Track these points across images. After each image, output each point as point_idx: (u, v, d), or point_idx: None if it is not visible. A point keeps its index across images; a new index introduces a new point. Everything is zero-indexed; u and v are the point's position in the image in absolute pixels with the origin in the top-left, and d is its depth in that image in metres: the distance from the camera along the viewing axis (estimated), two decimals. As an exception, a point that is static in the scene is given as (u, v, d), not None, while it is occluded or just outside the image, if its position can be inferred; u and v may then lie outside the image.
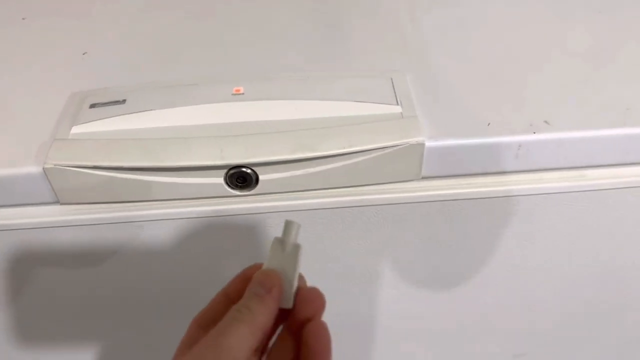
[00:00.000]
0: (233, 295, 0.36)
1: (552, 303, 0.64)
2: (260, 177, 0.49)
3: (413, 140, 0.47)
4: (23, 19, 0.66)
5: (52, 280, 0.55)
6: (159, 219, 0.51)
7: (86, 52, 0.60)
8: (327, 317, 0.35)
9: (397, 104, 0.50)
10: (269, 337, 0.36)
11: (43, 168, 0.47)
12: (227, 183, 0.49)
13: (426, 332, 0.68)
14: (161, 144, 0.47)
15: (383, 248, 0.56)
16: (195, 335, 0.35)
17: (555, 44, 0.59)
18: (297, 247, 0.36)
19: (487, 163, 0.50)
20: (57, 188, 0.48)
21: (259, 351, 0.35)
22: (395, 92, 0.52)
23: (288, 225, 0.36)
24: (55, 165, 0.47)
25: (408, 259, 0.57)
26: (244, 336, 0.32)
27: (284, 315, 0.36)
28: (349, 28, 0.63)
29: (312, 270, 0.56)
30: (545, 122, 0.49)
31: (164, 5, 0.68)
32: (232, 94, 0.51)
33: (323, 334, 0.34)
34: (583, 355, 0.72)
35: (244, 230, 0.53)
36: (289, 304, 0.35)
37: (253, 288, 0.34)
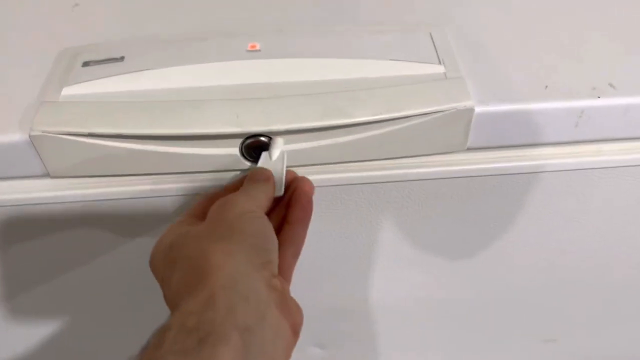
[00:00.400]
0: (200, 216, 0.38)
1: (592, 285, 0.59)
2: (284, 148, 0.42)
3: (461, 105, 0.41)
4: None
5: (41, 261, 0.49)
6: (164, 195, 0.44)
7: (78, 4, 0.52)
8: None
9: (439, 63, 0.43)
10: None
11: (29, 135, 0.40)
12: (242, 154, 0.42)
13: (454, 314, 0.63)
14: (166, 108, 0.40)
15: (415, 225, 0.50)
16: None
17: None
18: (282, 153, 0.41)
19: (542, 132, 0.43)
20: (46, 159, 0.42)
21: None
22: (435, 49, 0.45)
23: (275, 141, 0.41)
24: (43, 132, 0.40)
25: (442, 237, 0.51)
26: (245, 202, 0.36)
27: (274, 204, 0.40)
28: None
29: (334, 248, 0.51)
30: (610, 85, 0.42)
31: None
32: (247, 51, 0.44)
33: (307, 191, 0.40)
34: (618, 344, 0.67)
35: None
36: (280, 192, 0.40)
37: (250, 179, 0.39)
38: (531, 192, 0.47)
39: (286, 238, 0.38)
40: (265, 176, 0.39)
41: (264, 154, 0.41)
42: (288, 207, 0.40)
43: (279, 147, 0.41)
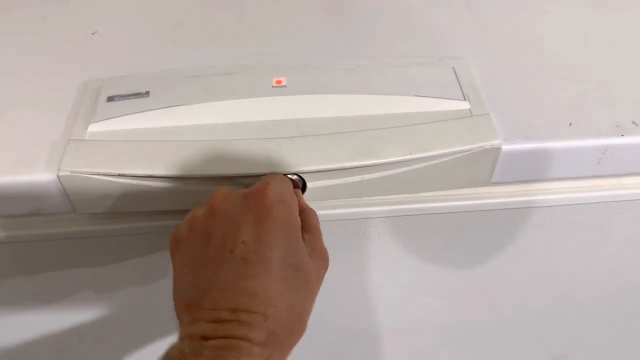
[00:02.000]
0: None
1: (606, 309, 0.60)
2: (309, 185, 0.42)
3: (487, 144, 0.41)
4: (20, -9, 0.57)
5: (68, 295, 0.49)
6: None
7: (96, 32, 0.52)
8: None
9: (464, 99, 0.44)
10: None
11: (57, 175, 0.40)
12: (270, 191, 0.42)
13: (466, 332, 0.63)
14: (197, 149, 0.40)
15: (436, 256, 0.50)
16: None
17: None
18: None
19: (566, 168, 0.44)
20: (73, 197, 0.42)
21: None
22: (460, 84, 0.45)
23: None
24: (72, 172, 0.40)
25: (463, 264, 0.51)
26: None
27: None
28: (395, 8, 0.55)
29: (354, 279, 0.51)
30: (634, 122, 0.43)
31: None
32: (273, 87, 0.44)
33: None
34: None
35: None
36: None
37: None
38: (552, 224, 0.47)
39: None
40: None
41: None
42: None
43: None
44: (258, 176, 0.40)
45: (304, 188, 0.42)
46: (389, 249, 0.49)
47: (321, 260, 0.36)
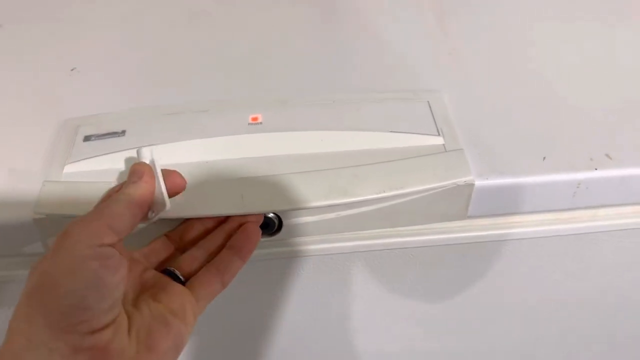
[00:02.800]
0: None
1: (588, 336, 0.60)
2: (285, 222, 0.42)
3: (461, 180, 0.41)
4: (-1, 25, 0.57)
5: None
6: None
7: (75, 68, 0.52)
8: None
9: (438, 134, 0.44)
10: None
11: (33, 218, 0.40)
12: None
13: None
14: (171, 190, 0.40)
15: (416, 288, 0.50)
16: None
17: (614, 58, 0.52)
18: (152, 161, 0.37)
19: (541, 202, 0.44)
20: (49, 239, 0.42)
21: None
22: (434, 118, 0.45)
23: (142, 151, 0.38)
24: (47, 215, 0.40)
25: (444, 298, 0.52)
26: (85, 234, 0.30)
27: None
28: (371, 40, 0.55)
29: (334, 312, 0.51)
30: (607, 155, 0.43)
31: (162, 13, 0.60)
32: (249, 124, 0.45)
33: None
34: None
35: (262, 275, 0.47)
36: (164, 207, 0.36)
37: (128, 179, 0.35)
38: (529, 255, 0.48)
39: (219, 264, 0.38)
40: (138, 174, 0.35)
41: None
42: (230, 234, 0.39)
43: (147, 158, 0.38)
44: (233, 216, 0.40)
45: (280, 226, 0.43)
46: (367, 282, 0.49)
47: None
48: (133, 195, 0.34)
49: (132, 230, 0.33)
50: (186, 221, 0.41)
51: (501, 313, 0.54)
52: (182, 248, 0.40)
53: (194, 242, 0.40)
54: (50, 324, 0.29)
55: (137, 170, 0.36)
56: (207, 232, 0.41)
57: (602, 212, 0.46)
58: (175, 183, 0.37)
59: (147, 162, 0.37)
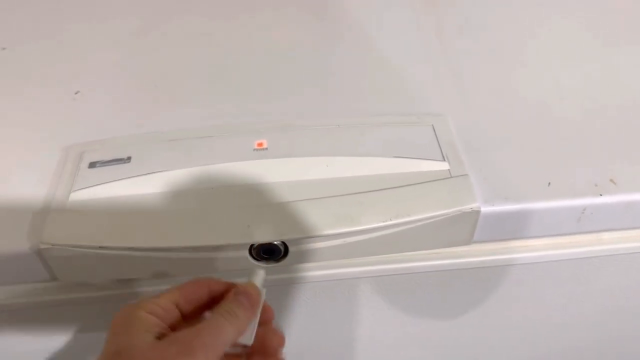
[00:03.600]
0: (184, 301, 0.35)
1: (590, 358, 0.60)
2: (291, 249, 0.42)
3: (467, 207, 0.41)
4: (2, 49, 0.57)
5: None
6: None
7: (79, 91, 0.52)
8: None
9: (443, 159, 0.44)
10: None
11: (39, 248, 0.40)
12: (252, 256, 0.42)
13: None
14: (177, 219, 0.40)
15: (421, 312, 0.50)
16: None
17: (619, 82, 0.52)
18: (262, 292, 0.37)
19: (545, 227, 0.44)
20: (55, 268, 0.42)
21: None
22: (439, 143, 0.46)
23: (257, 273, 0.38)
24: (53, 245, 0.40)
25: (449, 322, 0.52)
26: (227, 335, 0.32)
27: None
28: (373, 61, 0.55)
29: (339, 337, 0.51)
30: (611, 181, 0.43)
31: (167, 36, 0.60)
32: (255, 149, 0.45)
33: None
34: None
35: (268, 301, 0.47)
36: (249, 341, 0.35)
37: (240, 296, 0.35)
38: (534, 279, 0.48)
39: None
40: (254, 302, 0.36)
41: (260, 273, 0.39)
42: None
43: (261, 279, 0.38)
44: (239, 245, 0.40)
45: (285, 252, 0.43)
46: (373, 307, 0.49)
47: None
48: (240, 328, 0.34)
49: None
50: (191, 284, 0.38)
51: (505, 335, 0.54)
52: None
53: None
54: None
55: (251, 296, 0.36)
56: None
57: (606, 235, 0.46)
58: (266, 319, 0.37)
59: (259, 284, 0.37)
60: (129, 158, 0.45)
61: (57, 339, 0.48)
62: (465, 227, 0.43)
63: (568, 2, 0.62)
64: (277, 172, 0.43)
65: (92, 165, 0.45)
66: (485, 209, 0.42)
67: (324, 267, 0.45)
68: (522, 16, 0.60)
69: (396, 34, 0.58)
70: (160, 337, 0.32)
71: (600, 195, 0.42)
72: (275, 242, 0.41)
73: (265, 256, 0.42)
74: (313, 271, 0.45)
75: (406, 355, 0.55)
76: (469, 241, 0.44)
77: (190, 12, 0.62)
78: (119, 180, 0.43)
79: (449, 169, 0.44)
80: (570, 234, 0.45)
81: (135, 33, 0.59)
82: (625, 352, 0.59)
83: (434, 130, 0.47)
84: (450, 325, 0.52)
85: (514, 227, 0.44)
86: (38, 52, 0.57)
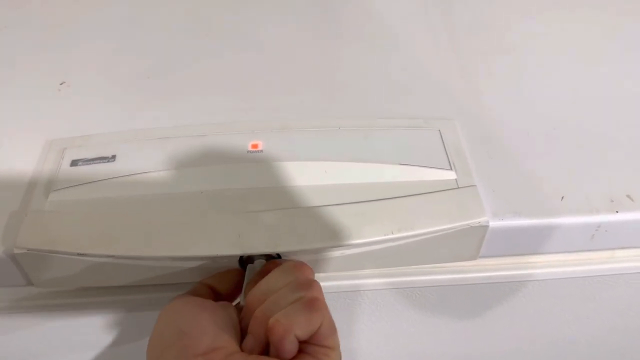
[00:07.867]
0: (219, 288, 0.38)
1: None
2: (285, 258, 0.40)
3: (474, 221, 0.38)
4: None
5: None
6: (156, 304, 0.41)
7: (64, 82, 0.49)
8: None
9: (450, 168, 0.41)
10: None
11: (14, 253, 0.37)
12: (242, 267, 0.40)
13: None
14: (162, 226, 0.37)
15: (417, 328, 0.48)
16: None
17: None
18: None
19: (557, 243, 0.41)
20: (31, 273, 0.39)
21: None
22: (446, 150, 0.43)
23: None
24: (28, 250, 0.37)
25: (454, 336, 0.49)
26: None
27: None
28: (378, 60, 0.52)
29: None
30: (629, 197, 0.41)
31: (158, 26, 0.56)
32: (249, 151, 0.42)
33: None
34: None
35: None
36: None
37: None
38: (542, 296, 0.45)
39: None
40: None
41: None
42: None
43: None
44: (229, 257, 0.38)
45: (279, 263, 0.40)
46: (373, 320, 0.46)
47: None
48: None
49: None
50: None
51: (509, 352, 0.52)
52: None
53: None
54: None
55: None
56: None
57: (620, 253, 0.43)
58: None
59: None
60: (113, 157, 0.42)
61: (43, 343, 0.45)
62: (471, 242, 0.40)
63: (589, 4, 0.59)
64: (271, 177, 0.40)
65: (74, 163, 0.42)
66: (493, 223, 0.39)
67: (321, 279, 0.42)
68: (539, 16, 0.57)
69: (403, 31, 0.55)
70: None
71: (617, 212, 0.40)
72: (268, 253, 0.39)
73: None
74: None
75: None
76: (475, 256, 0.42)
77: (185, 2, 0.58)
78: (102, 180, 0.40)
79: (455, 179, 0.41)
80: (581, 250, 0.43)
81: (127, 20, 0.56)
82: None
83: (441, 136, 0.44)
84: (453, 340, 0.50)
85: (523, 242, 0.41)
86: (24, 38, 0.54)
